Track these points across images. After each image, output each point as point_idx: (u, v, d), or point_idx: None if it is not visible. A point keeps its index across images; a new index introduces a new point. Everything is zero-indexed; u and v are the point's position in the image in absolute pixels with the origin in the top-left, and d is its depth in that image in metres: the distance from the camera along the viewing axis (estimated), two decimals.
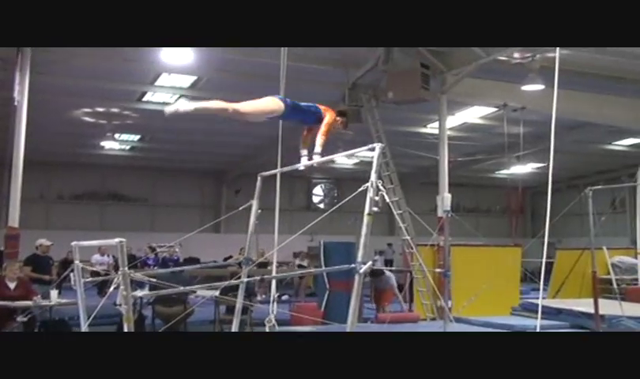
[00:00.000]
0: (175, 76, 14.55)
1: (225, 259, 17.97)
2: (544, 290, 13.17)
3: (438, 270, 12.34)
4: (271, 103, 5.91)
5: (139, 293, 8.22)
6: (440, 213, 13.61)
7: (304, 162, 6.06)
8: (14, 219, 10.92)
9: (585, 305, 11.62)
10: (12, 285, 9.54)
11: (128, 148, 22.57)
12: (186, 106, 5.59)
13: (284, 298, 15.77)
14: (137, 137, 21.06)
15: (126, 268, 4.42)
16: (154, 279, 5.50)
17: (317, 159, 5.95)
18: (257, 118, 6.01)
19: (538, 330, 6.36)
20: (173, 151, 23.01)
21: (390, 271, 16.22)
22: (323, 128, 5.92)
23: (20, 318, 9.11)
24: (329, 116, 5.99)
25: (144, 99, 16.25)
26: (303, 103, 6.09)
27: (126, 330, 4.51)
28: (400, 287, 14.96)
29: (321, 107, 6.10)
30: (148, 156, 23.88)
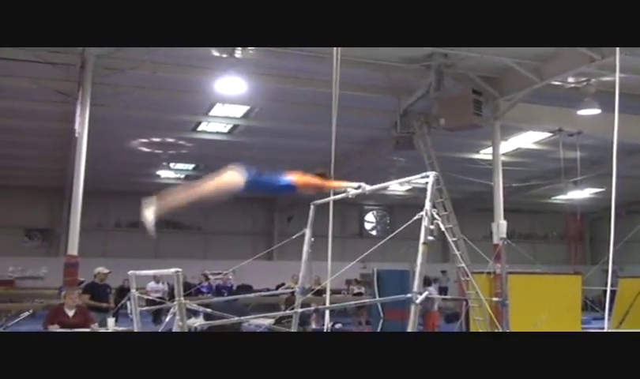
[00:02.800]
0: (228, 106, 14.81)
1: (277, 286, 18.02)
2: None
3: (495, 299, 12.08)
4: (228, 182, 5.86)
5: (195, 323, 8.32)
6: (496, 240, 13.34)
7: (354, 191, 6.03)
8: (74, 248, 11.20)
9: None
10: (70, 313, 9.76)
11: (183, 176, 23.00)
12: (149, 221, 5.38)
13: (338, 326, 15.67)
14: (191, 166, 21.46)
15: (182, 298, 4.46)
16: (209, 309, 5.54)
17: (367, 187, 5.91)
18: (219, 197, 5.78)
19: None
20: None
21: (445, 299, 15.98)
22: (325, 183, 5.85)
23: None
24: (308, 179, 5.83)
25: (199, 128, 16.58)
26: (267, 178, 5.86)
27: None
28: (457, 316, 14.68)
29: (294, 178, 5.83)
30: None
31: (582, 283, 14.85)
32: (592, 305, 15.85)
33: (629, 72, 11.54)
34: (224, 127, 16.64)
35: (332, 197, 6.88)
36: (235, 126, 16.44)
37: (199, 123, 16.23)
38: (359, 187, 5.89)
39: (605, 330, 6.73)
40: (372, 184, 6.13)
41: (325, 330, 6.55)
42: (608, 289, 5.67)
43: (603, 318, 7.36)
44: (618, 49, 5.72)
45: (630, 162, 18.44)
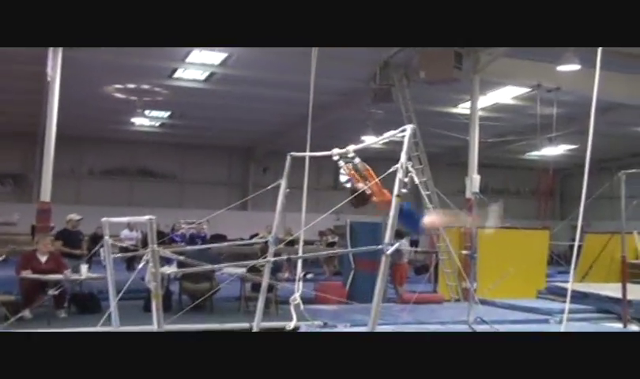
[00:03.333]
0: (205, 52, 14.55)
1: (251, 236, 18.08)
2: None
3: (464, 252, 12.30)
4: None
5: (168, 270, 8.35)
6: (468, 195, 13.51)
7: (337, 150, 6.04)
8: (46, 194, 11.09)
9: (612, 290, 11.49)
10: (43, 259, 9.72)
11: (158, 124, 22.75)
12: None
13: (310, 276, 15.85)
14: (166, 114, 21.21)
15: (155, 246, 4.46)
16: (182, 257, 5.56)
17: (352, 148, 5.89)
18: None
19: (566, 313, 6.30)
20: (202, 127, 23.13)
21: (416, 252, 16.22)
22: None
23: (51, 291, 9.30)
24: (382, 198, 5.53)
25: (175, 75, 16.32)
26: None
27: (153, 306, 4.58)
28: (426, 268, 14.91)
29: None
30: (178, 133, 24.06)
31: (550, 237, 15.18)
32: (558, 259, 16.20)
33: None
34: (201, 74, 16.40)
35: (308, 153, 6.87)
36: (212, 74, 16.21)
37: (175, 70, 15.96)
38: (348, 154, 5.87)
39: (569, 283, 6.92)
40: (349, 135, 6.15)
41: (296, 279, 6.62)
42: (576, 244, 5.79)
43: (567, 272, 7.55)
44: None
45: (605, 119, 18.64)
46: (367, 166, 5.90)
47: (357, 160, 5.99)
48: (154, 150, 26.07)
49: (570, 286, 7.43)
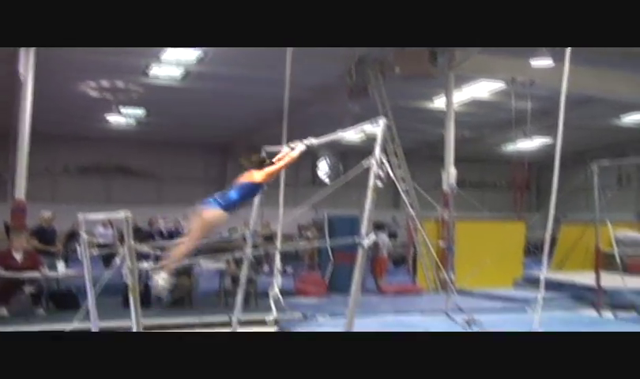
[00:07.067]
0: (181, 50, 14.43)
1: (229, 231, 18.03)
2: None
3: (442, 244, 12.44)
4: (213, 220, 5.69)
5: (145, 265, 8.33)
6: (445, 188, 13.63)
7: (304, 143, 6.10)
8: (21, 192, 10.98)
9: (587, 278, 11.70)
10: (18, 256, 9.63)
11: (133, 122, 22.56)
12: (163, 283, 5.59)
13: (289, 270, 15.86)
14: (142, 112, 21.04)
15: (131, 242, 4.47)
16: (159, 252, 5.57)
17: (314, 141, 5.99)
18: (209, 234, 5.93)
19: (540, 301, 6.42)
20: (178, 125, 22.98)
21: (394, 245, 16.33)
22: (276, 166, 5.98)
23: (27, 289, 9.23)
24: (261, 174, 5.90)
25: (150, 73, 16.18)
26: (235, 194, 5.83)
27: (131, 301, 4.59)
28: (404, 260, 14.99)
29: (250, 178, 5.92)
30: (154, 130, 23.87)
31: (526, 229, 15.40)
32: (536, 250, 16.41)
33: None
34: (177, 72, 16.26)
35: (284, 147, 6.90)
36: (187, 71, 16.11)
37: (150, 66, 15.78)
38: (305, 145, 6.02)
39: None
40: (325, 132, 6.17)
41: (275, 273, 6.67)
42: (548, 234, 5.90)
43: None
44: None
45: (578, 112, 18.90)
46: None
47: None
48: (131, 147, 25.88)
49: (544, 275, 7.55)
